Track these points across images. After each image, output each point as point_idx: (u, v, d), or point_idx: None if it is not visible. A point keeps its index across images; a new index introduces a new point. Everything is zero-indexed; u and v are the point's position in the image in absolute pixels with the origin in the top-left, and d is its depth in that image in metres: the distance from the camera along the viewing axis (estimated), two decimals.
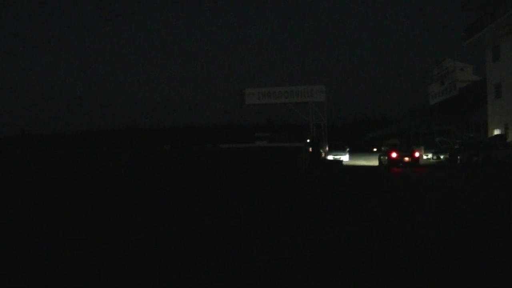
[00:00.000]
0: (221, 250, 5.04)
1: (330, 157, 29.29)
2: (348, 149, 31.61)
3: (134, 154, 39.44)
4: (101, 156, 37.13)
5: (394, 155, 23.66)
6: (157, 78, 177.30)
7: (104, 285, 3.93)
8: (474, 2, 31.30)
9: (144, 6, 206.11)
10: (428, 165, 24.87)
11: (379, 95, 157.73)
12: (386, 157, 24.16)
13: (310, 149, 19.88)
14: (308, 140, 29.48)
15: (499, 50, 30.73)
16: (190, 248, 5.20)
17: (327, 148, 31.97)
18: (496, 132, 30.87)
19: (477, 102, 37.92)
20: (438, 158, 28.00)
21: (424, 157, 33.73)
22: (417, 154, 23.89)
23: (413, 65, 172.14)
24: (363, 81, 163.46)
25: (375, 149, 52.89)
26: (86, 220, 7.23)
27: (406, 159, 23.26)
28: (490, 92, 32.57)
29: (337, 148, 31.46)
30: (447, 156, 26.04)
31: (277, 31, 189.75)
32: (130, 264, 4.54)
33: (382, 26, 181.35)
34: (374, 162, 27.75)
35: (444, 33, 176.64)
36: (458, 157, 23.75)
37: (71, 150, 67.80)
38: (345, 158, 29.59)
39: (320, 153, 22.82)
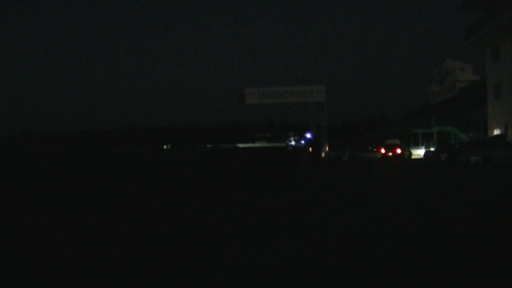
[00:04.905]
0: (221, 249, 5.05)
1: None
2: (348, 149, 31.92)
3: (134, 154, 39.45)
4: (101, 156, 37.14)
5: (382, 151, 35.18)
6: (157, 78, 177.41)
7: (104, 285, 3.95)
8: (474, 2, 31.30)
9: (144, 5, 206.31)
10: (413, 161, 30.11)
11: (379, 95, 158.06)
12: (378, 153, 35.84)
13: (310, 149, 19.95)
14: (308, 134, 30.05)
15: (499, 50, 30.74)
16: (190, 247, 5.22)
17: (327, 148, 32.08)
18: (496, 132, 30.87)
19: (477, 102, 37.97)
20: (438, 158, 27.95)
21: (424, 156, 33.88)
22: (398, 151, 34.57)
23: (413, 65, 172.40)
24: (363, 81, 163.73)
25: (374, 149, 53.66)
26: (86, 220, 7.26)
27: (390, 154, 34.31)
28: (490, 92, 32.59)
29: (337, 148, 31.71)
30: (447, 156, 25.98)
31: (277, 31, 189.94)
32: (129, 264, 4.56)
33: (382, 26, 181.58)
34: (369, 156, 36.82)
35: (444, 33, 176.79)
36: (458, 157, 23.73)
37: (71, 150, 67.81)
38: (345, 157, 29.90)
39: (320, 153, 22.96)
